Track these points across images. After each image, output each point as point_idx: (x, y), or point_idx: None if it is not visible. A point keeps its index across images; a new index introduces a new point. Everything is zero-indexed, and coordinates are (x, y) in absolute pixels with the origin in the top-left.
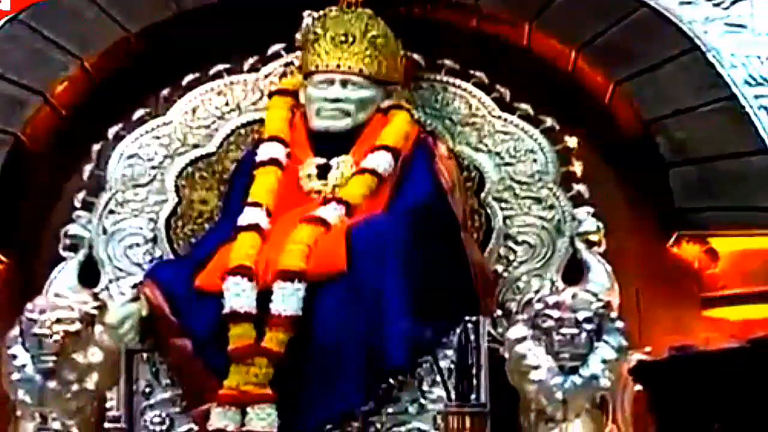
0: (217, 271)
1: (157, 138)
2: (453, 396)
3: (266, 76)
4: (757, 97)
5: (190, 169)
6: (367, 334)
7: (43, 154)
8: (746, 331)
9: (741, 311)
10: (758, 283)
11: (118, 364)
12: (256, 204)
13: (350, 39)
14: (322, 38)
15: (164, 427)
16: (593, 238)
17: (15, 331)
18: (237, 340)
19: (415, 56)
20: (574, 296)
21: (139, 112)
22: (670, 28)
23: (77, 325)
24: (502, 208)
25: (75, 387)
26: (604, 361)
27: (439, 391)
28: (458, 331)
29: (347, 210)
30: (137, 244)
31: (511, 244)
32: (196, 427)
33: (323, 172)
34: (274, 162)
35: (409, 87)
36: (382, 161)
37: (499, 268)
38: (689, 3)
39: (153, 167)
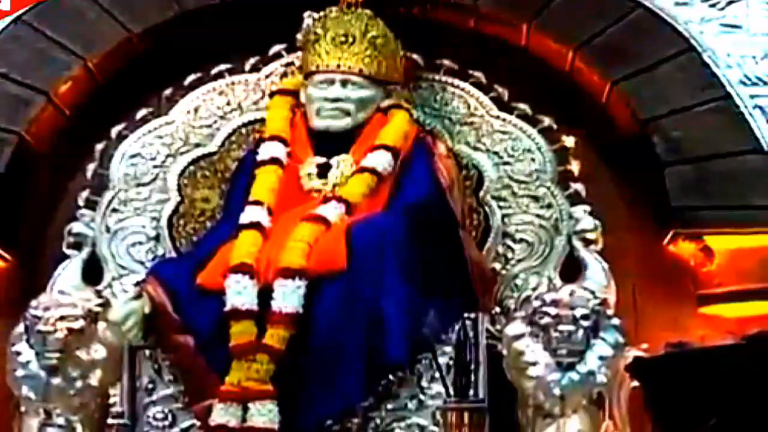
0: (218, 268)
1: (160, 137)
2: (452, 392)
3: (267, 76)
4: (752, 96)
5: (192, 168)
6: (367, 331)
7: (47, 153)
8: (742, 328)
9: (736, 308)
10: (753, 280)
11: (121, 361)
12: (257, 202)
13: (350, 39)
14: (322, 38)
15: (167, 423)
16: (590, 236)
17: (19, 328)
18: (238, 337)
19: (415, 56)
20: (571, 294)
21: (141, 112)
22: (666, 29)
23: (81, 323)
24: (500, 207)
25: (79, 383)
26: (601, 358)
27: (438, 387)
28: (457, 327)
29: (347, 208)
30: (140, 242)
31: (509, 242)
32: (198, 423)
33: (323, 171)
34: (275, 161)
35: (409, 87)
36: (381, 160)
37: (498, 265)
38: (685, 4)
39: (155, 166)
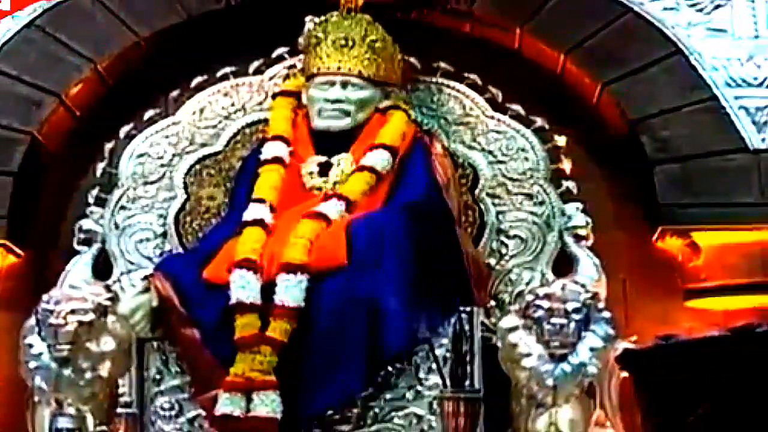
0: (223, 264)
1: (167, 137)
2: (448, 382)
3: (270, 78)
4: (737, 98)
5: (197, 166)
6: (367, 324)
7: (58, 153)
8: (727, 321)
9: (722, 302)
10: (738, 275)
11: (130, 353)
12: (260, 200)
13: (350, 43)
14: (323, 42)
15: (173, 413)
16: (581, 232)
17: (31, 321)
18: (242, 330)
19: (412, 59)
20: (563, 288)
21: (149, 113)
22: (655, 33)
23: (91, 316)
24: (494, 204)
25: (89, 374)
26: (592, 350)
27: (435, 378)
28: (453, 321)
29: (347, 206)
30: (148, 239)
31: (503, 238)
32: (204, 413)
33: (324, 169)
34: (277, 160)
35: (407, 88)
36: (380, 159)
37: (492, 261)
38: (673, 8)
39: (162, 165)
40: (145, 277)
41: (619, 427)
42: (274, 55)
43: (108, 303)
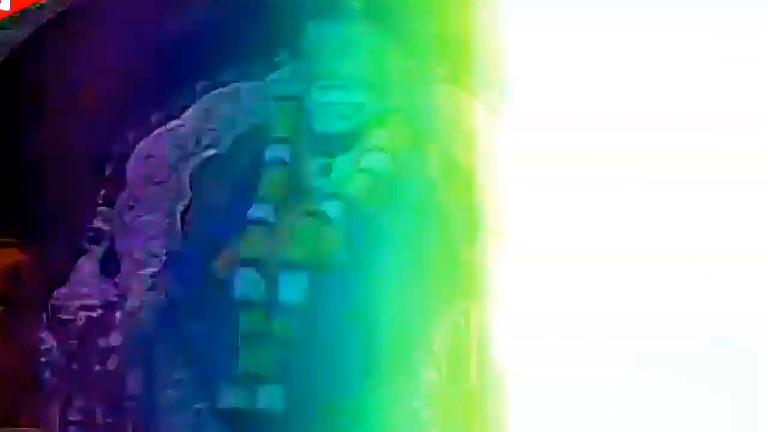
0: (227, 262)
1: (173, 139)
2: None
3: (273, 82)
4: None
5: (202, 168)
6: (367, 321)
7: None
8: None
9: None
10: None
11: (138, 347)
12: (263, 200)
13: (350, 47)
14: (324, 46)
15: (180, 405)
16: None
17: (42, 317)
18: (246, 326)
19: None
20: None
21: (156, 116)
22: None
23: (99, 312)
24: None
25: (97, 368)
26: None
27: (433, 373)
28: (451, 317)
29: (347, 206)
30: (154, 238)
31: None
32: (209, 406)
33: (325, 170)
34: (280, 161)
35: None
36: (380, 160)
37: None
38: None
39: (168, 166)
40: (152, 275)
41: None
42: (276, 59)
43: (116, 299)
